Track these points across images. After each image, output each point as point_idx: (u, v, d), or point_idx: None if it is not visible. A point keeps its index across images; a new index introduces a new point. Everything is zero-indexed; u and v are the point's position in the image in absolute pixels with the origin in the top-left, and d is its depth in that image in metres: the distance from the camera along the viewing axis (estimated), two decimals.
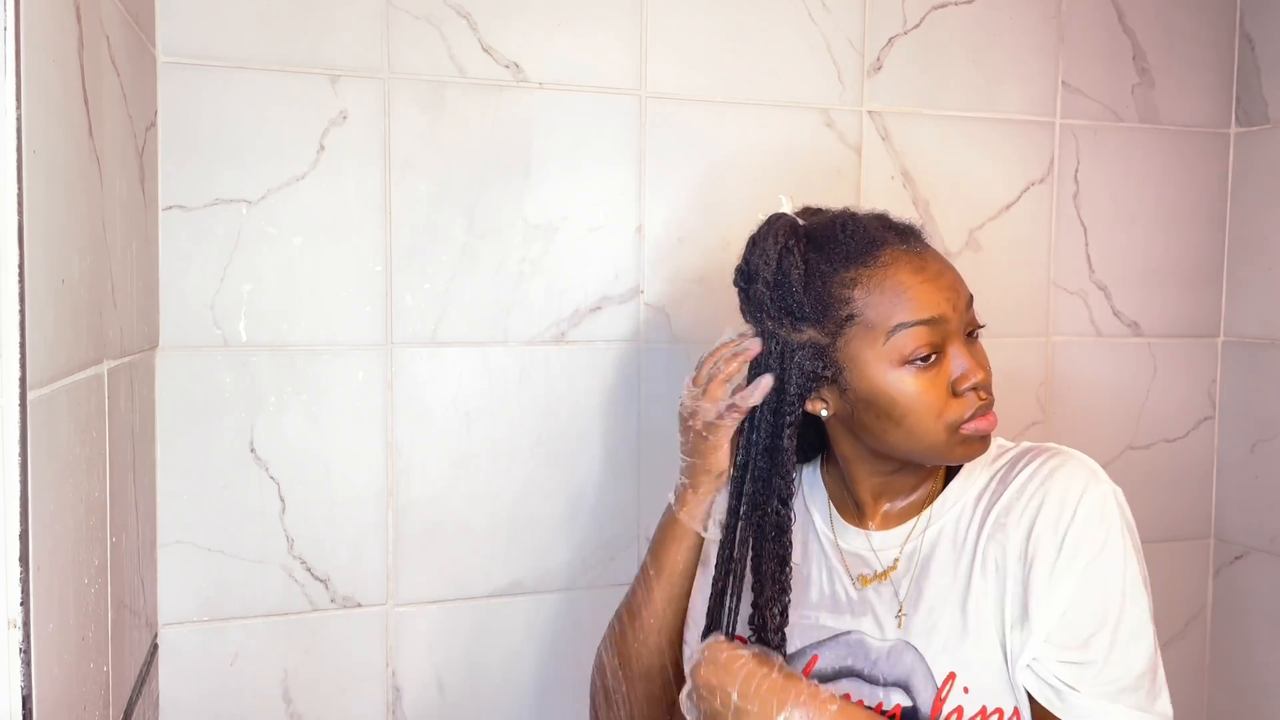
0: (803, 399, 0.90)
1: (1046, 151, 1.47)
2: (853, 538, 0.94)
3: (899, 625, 0.88)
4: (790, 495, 0.91)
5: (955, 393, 0.86)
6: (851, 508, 0.96)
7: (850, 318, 0.86)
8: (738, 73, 1.31)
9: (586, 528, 1.29)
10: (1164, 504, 1.58)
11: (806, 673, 0.90)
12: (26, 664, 0.59)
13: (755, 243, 0.93)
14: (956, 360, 0.86)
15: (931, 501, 0.92)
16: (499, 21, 1.22)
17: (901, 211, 1.01)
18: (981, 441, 0.87)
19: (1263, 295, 1.53)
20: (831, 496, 0.98)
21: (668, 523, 1.00)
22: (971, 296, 0.90)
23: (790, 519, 0.91)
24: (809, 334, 0.88)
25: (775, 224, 0.92)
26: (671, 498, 1.00)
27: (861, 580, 0.92)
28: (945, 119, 1.41)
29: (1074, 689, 0.80)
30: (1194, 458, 1.58)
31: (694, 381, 0.96)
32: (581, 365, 1.27)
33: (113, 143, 0.86)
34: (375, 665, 1.22)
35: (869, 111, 1.38)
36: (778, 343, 0.90)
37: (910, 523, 0.92)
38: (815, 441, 1.00)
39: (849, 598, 0.92)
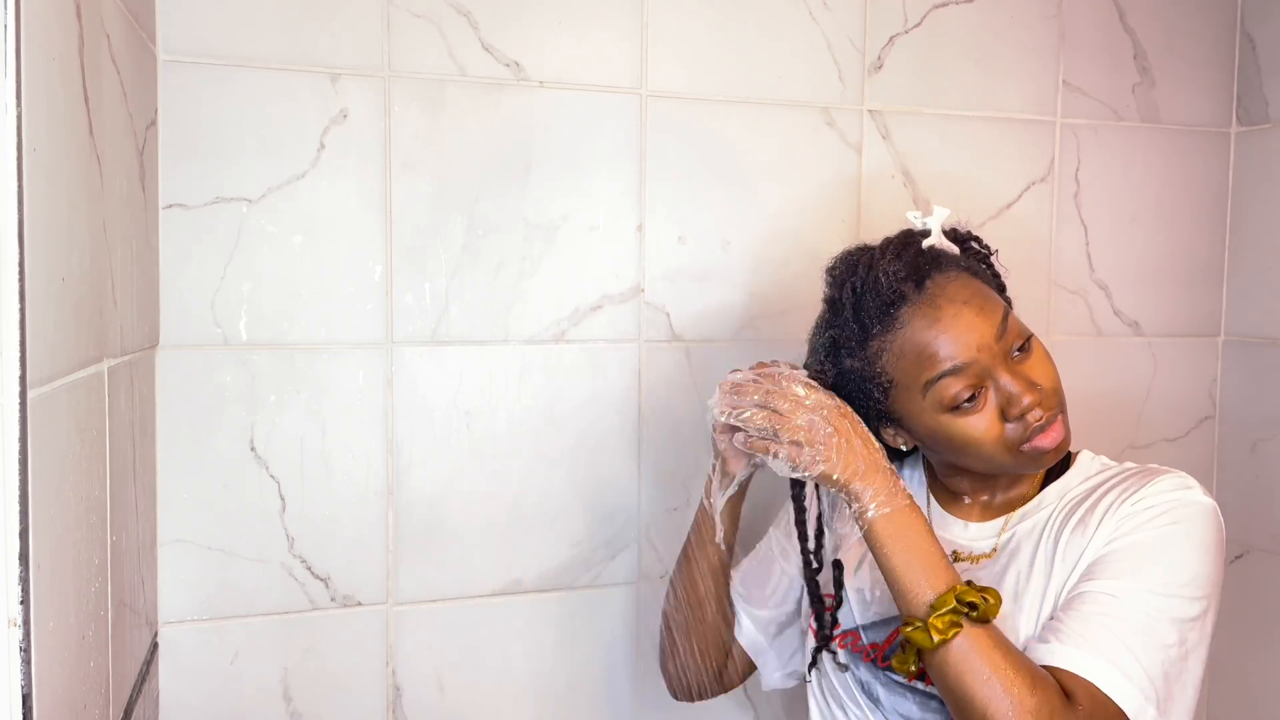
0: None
1: (1047, 150, 1.47)
2: (950, 525, 1.00)
3: None
4: (802, 511, 0.99)
5: (1007, 419, 0.89)
6: (949, 499, 1.02)
7: (890, 383, 0.91)
8: (738, 72, 1.31)
9: (586, 527, 1.29)
10: None
11: (889, 642, 0.96)
12: (26, 662, 0.59)
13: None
14: (1001, 390, 0.89)
15: (1028, 499, 0.97)
16: (499, 20, 1.22)
17: (903, 211, 1.02)
18: (1048, 454, 0.91)
19: (1263, 295, 1.52)
20: (931, 487, 1.05)
21: (700, 506, 1.07)
22: (1006, 314, 0.91)
23: (805, 526, 0.99)
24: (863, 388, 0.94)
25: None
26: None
27: (954, 558, 0.97)
28: (946, 118, 1.41)
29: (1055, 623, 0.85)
30: (1194, 458, 1.58)
31: (719, 413, 0.94)
32: (582, 364, 1.27)
33: (113, 141, 0.86)
34: (375, 664, 1.22)
35: (869, 110, 1.37)
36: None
37: (1005, 517, 0.98)
38: None
39: None
